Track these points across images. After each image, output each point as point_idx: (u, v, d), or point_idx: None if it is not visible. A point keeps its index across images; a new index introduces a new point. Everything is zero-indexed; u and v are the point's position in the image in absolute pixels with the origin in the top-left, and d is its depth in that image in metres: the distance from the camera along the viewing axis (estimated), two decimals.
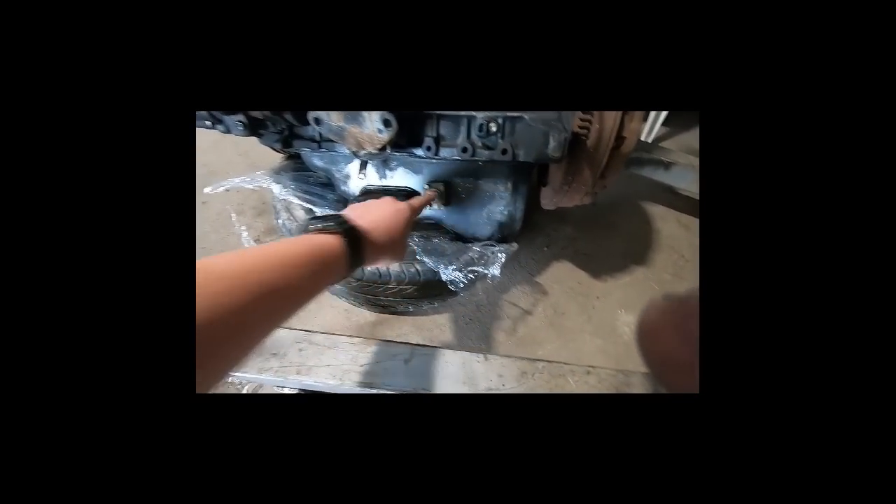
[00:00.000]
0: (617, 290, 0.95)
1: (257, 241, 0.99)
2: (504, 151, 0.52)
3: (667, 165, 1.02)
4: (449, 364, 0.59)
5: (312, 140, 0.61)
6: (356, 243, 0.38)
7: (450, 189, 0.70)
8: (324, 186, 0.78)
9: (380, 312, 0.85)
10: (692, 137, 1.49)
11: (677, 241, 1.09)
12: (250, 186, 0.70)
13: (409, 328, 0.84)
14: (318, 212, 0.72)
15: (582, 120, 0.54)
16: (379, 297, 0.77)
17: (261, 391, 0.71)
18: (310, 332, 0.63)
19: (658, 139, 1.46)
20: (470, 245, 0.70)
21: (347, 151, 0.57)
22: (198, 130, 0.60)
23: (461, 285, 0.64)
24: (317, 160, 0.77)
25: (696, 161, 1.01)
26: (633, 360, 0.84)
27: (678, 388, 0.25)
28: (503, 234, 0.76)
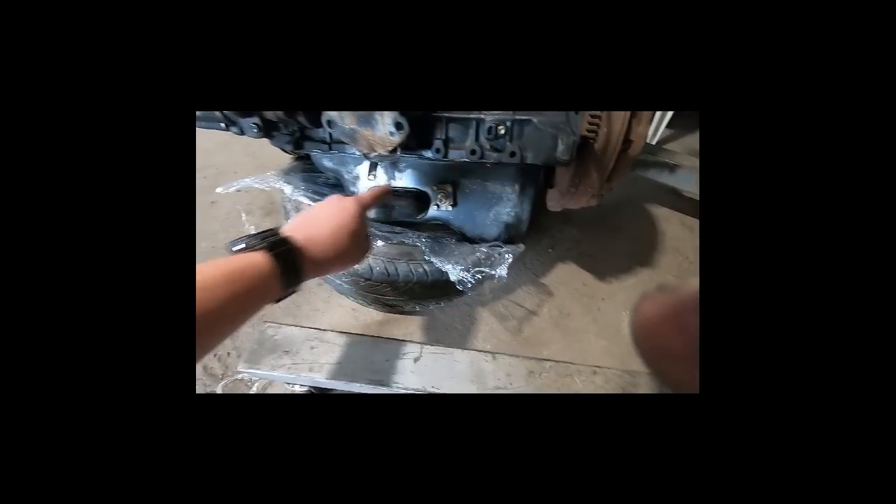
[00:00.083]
0: (622, 291, 0.96)
1: None
2: (512, 154, 0.53)
3: (671, 168, 1.03)
4: (458, 363, 0.60)
5: (323, 142, 0.62)
6: (288, 258, 0.36)
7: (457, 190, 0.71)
8: (333, 187, 0.79)
9: (387, 312, 0.86)
10: (696, 140, 1.49)
11: (682, 242, 1.09)
12: (261, 187, 0.71)
13: (415, 328, 0.85)
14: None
15: (590, 123, 0.55)
16: (386, 297, 0.78)
17: (270, 388, 0.72)
18: (321, 330, 0.64)
19: (662, 141, 1.46)
20: (477, 246, 0.71)
21: (357, 153, 0.58)
22: (206, 131, 0.62)
23: (469, 285, 0.64)
24: (326, 161, 0.78)
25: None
26: (638, 362, 0.85)
27: (674, 380, 0.25)
28: (510, 236, 0.76)
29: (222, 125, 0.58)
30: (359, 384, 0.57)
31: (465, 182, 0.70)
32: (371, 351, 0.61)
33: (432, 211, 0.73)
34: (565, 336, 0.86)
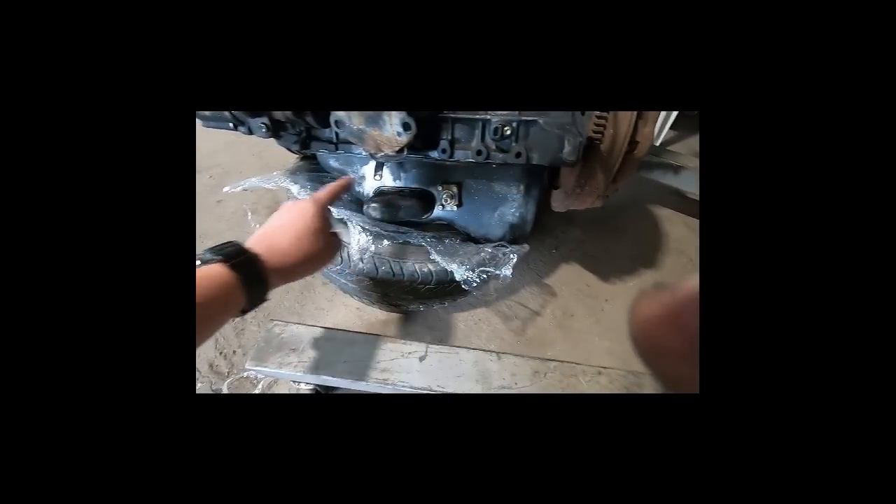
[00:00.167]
0: (625, 292, 0.96)
1: None
2: (518, 155, 0.54)
3: (675, 169, 1.03)
4: (463, 362, 0.60)
5: (330, 142, 0.62)
6: (249, 267, 0.36)
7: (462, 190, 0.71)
8: None
9: (391, 311, 0.87)
10: None
11: (685, 244, 1.09)
12: (269, 186, 0.71)
13: (419, 327, 0.85)
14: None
15: (596, 124, 0.55)
16: (391, 296, 0.78)
17: (275, 387, 0.73)
18: (328, 328, 0.64)
19: (666, 143, 1.46)
20: (482, 246, 0.71)
21: (363, 153, 0.58)
22: (211, 131, 0.62)
23: (474, 285, 0.65)
24: (332, 161, 0.79)
25: None
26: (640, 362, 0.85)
27: (673, 379, 0.25)
28: (514, 236, 0.77)
29: (231, 125, 0.58)
30: (365, 383, 0.58)
31: (471, 182, 0.71)
32: (377, 350, 0.61)
33: (437, 211, 0.74)
34: (569, 337, 0.86)
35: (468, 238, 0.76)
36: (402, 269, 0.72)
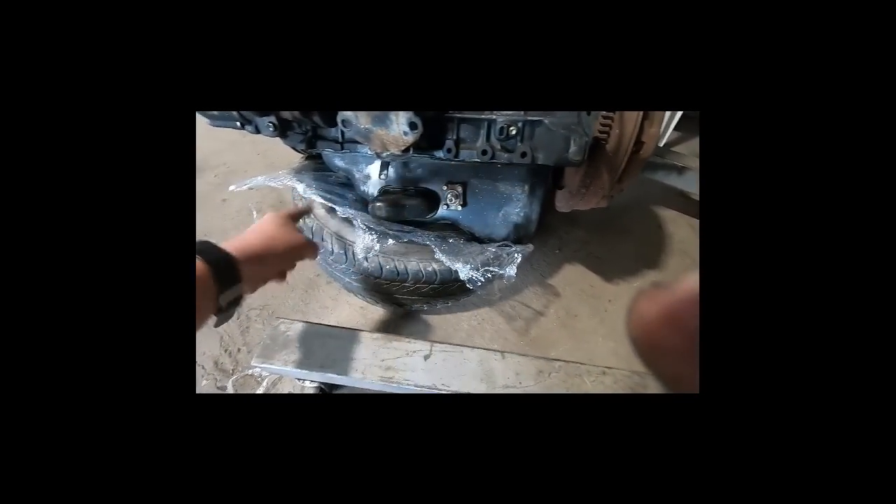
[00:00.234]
0: (629, 293, 0.96)
1: None
2: (523, 154, 0.54)
3: (680, 170, 1.03)
4: (467, 361, 0.60)
5: (336, 141, 0.63)
6: (218, 255, 0.39)
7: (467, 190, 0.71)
8: (343, 186, 0.80)
9: (395, 310, 0.87)
10: None
11: (689, 245, 1.09)
12: (275, 185, 0.72)
13: (423, 326, 0.85)
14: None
15: (602, 124, 0.55)
16: (395, 295, 0.79)
17: (279, 384, 0.73)
18: (333, 326, 0.65)
19: (670, 143, 1.46)
20: (486, 246, 0.71)
21: (369, 152, 0.58)
22: (216, 130, 0.63)
23: (478, 285, 0.65)
24: (338, 160, 0.79)
25: None
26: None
27: (673, 378, 0.25)
28: (518, 236, 0.77)
29: (238, 124, 0.59)
30: (370, 381, 0.58)
31: (475, 182, 0.71)
32: (382, 348, 0.61)
33: (442, 210, 0.74)
34: (572, 337, 0.86)
35: (472, 238, 0.77)
36: (406, 268, 0.72)
